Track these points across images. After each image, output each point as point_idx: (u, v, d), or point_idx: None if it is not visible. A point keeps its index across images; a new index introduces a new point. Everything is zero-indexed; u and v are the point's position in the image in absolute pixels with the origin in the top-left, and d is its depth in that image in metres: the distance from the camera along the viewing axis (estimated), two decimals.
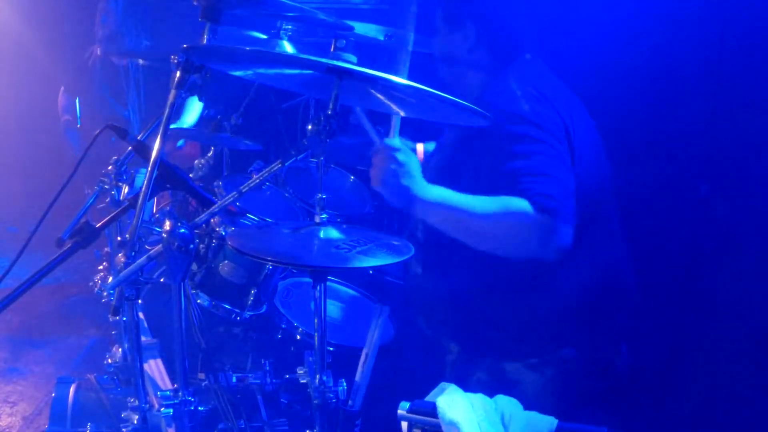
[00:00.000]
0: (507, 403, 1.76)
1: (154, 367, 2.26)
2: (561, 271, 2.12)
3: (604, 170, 2.32)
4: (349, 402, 1.93)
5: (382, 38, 3.00)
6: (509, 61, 2.28)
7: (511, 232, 2.00)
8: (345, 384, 1.88)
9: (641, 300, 2.43)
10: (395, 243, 1.80)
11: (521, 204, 1.97)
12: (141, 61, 3.78)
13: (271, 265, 2.70)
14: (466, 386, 1.77)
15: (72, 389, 2.31)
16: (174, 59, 1.75)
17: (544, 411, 1.72)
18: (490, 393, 1.78)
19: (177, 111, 3.79)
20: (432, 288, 2.37)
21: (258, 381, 2.44)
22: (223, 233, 2.65)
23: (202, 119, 4.25)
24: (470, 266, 2.18)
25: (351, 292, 3.01)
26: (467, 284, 2.22)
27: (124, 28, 4.14)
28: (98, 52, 4.20)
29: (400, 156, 2.04)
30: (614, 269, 2.31)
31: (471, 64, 2.30)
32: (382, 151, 2.06)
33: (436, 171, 2.26)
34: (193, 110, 3.92)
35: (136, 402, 1.87)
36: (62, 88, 4.59)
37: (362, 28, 2.97)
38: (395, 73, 1.66)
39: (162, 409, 1.74)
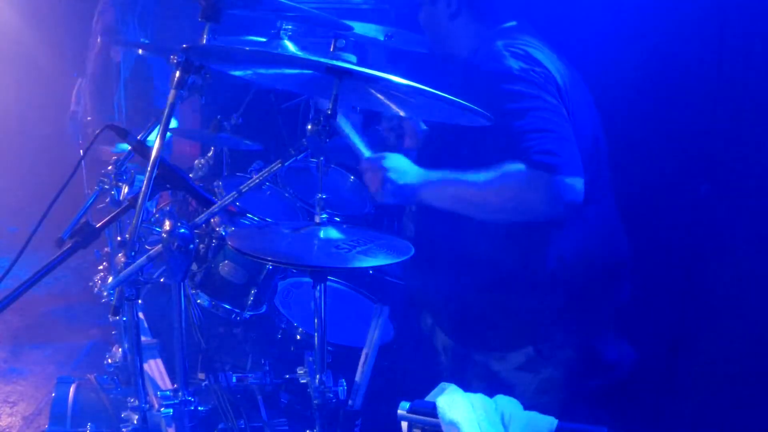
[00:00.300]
0: (507, 403, 1.76)
1: (154, 367, 2.26)
2: (554, 244, 2.12)
3: (600, 140, 2.27)
4: (349, 402, 1.93)
5: (382, 38, 3.00)
6: (493, 26, 2.28)
7: (516, 197, 1.98)
8: (345, 384, 1.88)
9: (639, 282, 2.41)
10: (395, 243, 1.80)
11: (518, 167, 1.95)
12: (140, 51, 3.78)
13: (271, 265, 2.70)
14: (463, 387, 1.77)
15: (72, 389, 2.32)
16: (174, 59, 1.75)
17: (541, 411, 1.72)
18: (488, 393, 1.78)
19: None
20: (424, 277, 2.36)
21: (258, 381, 2.44)
22: (223, 233, 2.65)
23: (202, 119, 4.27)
24: (460, 250, 2.20)
25: (351, 292, 3.01)
26: (457, 270, 2.22)
27: (122, 25, 4.16)
28: (98, 43, 4.21)
29: (386, 163, 2.09)
30: (609, 243, 2.28)
31: (456, 32, 2.31)
32: (368, 168, 2.12)
33: (435, 148, 2.26)
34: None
35: (136, 402, 1.87)
36: (80, 79, 4.57)
37: (362, 28, 2.97)
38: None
39: (162, 409, 1.74)
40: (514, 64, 2.08)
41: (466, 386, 2.27)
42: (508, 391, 2.21)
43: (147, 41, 4.04)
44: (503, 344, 2.27)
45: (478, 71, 2.01)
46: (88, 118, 4.37)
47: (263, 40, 3.28)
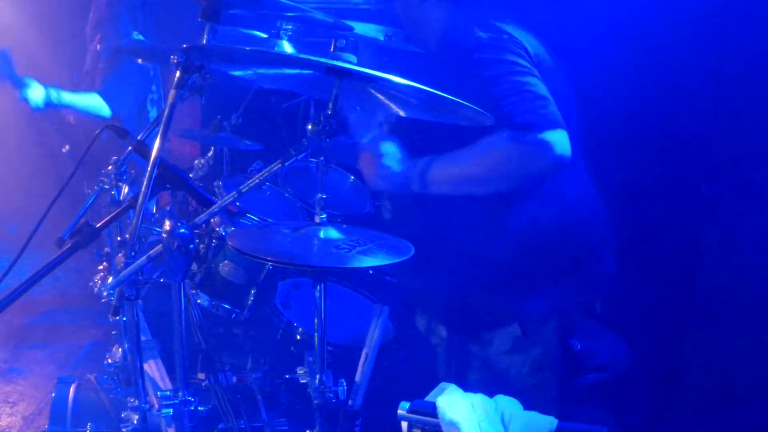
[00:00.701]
0: (507, 403, 1.76)
1: (154, 367, 2.26)
2: (530, 213, 2.15)
3: (572, 115, 2.27)
4: (349, 402, 1.93)
5: (382, 38, 3.00)
6: (465, 8, 2.29)
7: (507, 163, 2.01)
8: (345, 384, 1.88)
9: (639, 282, 2.40)
10: (395, 243, 1.80)
11: (503, 134, 1.97)
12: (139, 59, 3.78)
13: (271, 265, 2.70)
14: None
15: (72, 389, 2.32)
16: (174, 59, 1.75)
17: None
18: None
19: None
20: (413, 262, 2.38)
21: (258, 381, 2.44)
22: (223, 233, 2.65)
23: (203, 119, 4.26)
24: (438, 227, 2.22)
25: (351, 292, 3.01)
26: (437, 248, 2.22)
27: (114, 18, 4.17)
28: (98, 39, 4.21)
29: (382, 149, 2.13)
30: (584, 213, 2.29)
31: (428, 15, 2.31)
32: (367, 152, 2.15)
33: (416, 131, 2.26)
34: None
35: (136, 402, 1.87)
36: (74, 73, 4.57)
37: (362, 28, 2.97)
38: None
39: (162, 409, 1.74)
40: (483, 35, 2.12)
41: (462, 378, 2.28)
42: (504, 376, 2.24)
43: (140, 36, 4.05)
44: (489, 321, 2.27)
45: (450, 48, 2.08)
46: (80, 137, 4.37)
47: (264, 36, 3.28)
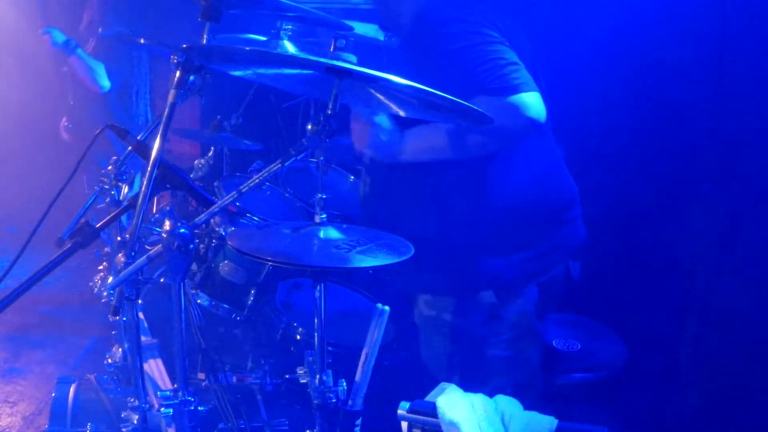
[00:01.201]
0: (507, 403, 1.77)
1: (154, 367, 2.26)
2: (501, 176, 2.19)
3: (541, 82, 2.27)
4: (349, 402, 1.93)
5: (382, 38, 3.00)
6: None
7: (480, 129, 2.06)
8: (345, 384, 1.88)
9: (639, 282, 2.40)
10: (395, 243, 1.80)
11: (479, 101, 1.99)
12: (142, 40, 3.82)
13: (271, 265, 2.70)
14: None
15: (72, 389, 2.31)
16: (173, 59, 1.75)
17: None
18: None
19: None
20: (383, 221, 2.38)
21: (258, 381, 2.44)
22: (223, 233, 2.65)
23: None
24: (414, 194, 2.27)
25: (351, 292, 3.01)
26: (414, 215, 2.28)
27: (102, 16, 4.25)
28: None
29: (375, 119, 2.18)
30: (553, 178, 2.34)
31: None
32: (358, 119, 2.20)
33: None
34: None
35: (136, 402, 1.87)
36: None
37: (362, 28, 2.97)
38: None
39: (162, 409, 1.74)
40: (449, 6, 2.16)
41: (442, 353, 2.28)
42: (482, 346, 2.27)
43: (129, 32, 4.11)
44: (463, 290, 2.29)
45: (420, 22, 2.13)
46: (71, 102, 4.43)
47: (263, 39, 3.29)
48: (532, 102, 2.02)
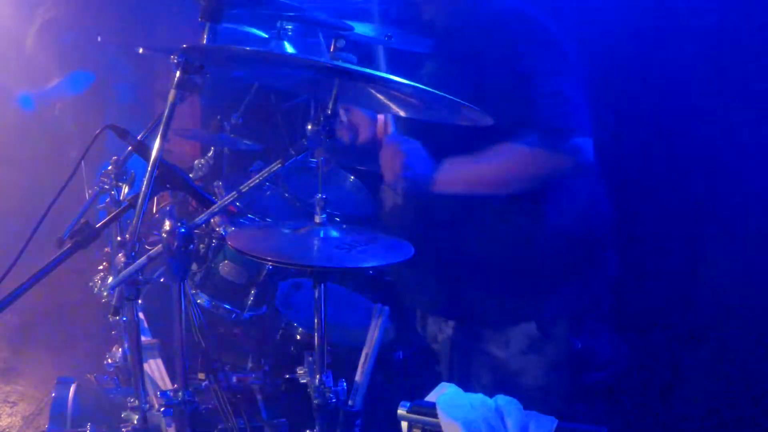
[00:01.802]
0: (507, 403, 1.76)
1: (154, 367, 2.26)
2: (548, 208, 2.13)
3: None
4: (349, 402, 1.93)
5: (382, 38, 2.99)
6: None
7: (530, 172, 2.02)
8: (345, 384, 1.88)
9: (639, 282, 2.39)
10: (395, 243, 1.80)
11: (529, 139, 1.96)
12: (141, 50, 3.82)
13: (271, 265, 2.69)
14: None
15: (72, 389, 2.31)
16: (173, 59, 1.75)
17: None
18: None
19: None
20: (421, 254, 2.27)
21: (258, 381, 2.44)
22: (223, 233, 2.65)
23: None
24: (454, 223, 2.18)
25: (351, 292, 3.00)
26: (454, 244, 2.20)
27: None
28: None
29: (404, 148, 2.08)
30: (596, 207, 2.29)
31: None
32: (387, 148, 2.10)
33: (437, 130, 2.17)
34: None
35: (136, 402, 1.87)
36: None
37: (362, 28, 2.97)
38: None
39: (162, 409, 1.74)
40: (531, 25, 2.07)
41: (474, 380, 2.26)
42: (519, 376, 2.20)
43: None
44: (505, 321, 2.23)
45: (484, 34, 2.02)
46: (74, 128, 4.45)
47: (265, 36, 3.28)
48: (584, 148, 1.98)
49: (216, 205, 1.79)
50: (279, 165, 1.80)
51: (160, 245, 1.62)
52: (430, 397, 1.78)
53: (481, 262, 2.19)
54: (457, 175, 2.09)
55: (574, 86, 2.02)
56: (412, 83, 1.59)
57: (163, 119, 1.75)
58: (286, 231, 1.85)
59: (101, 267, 2.47)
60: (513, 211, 2.14)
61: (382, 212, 2.42)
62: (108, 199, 2.13)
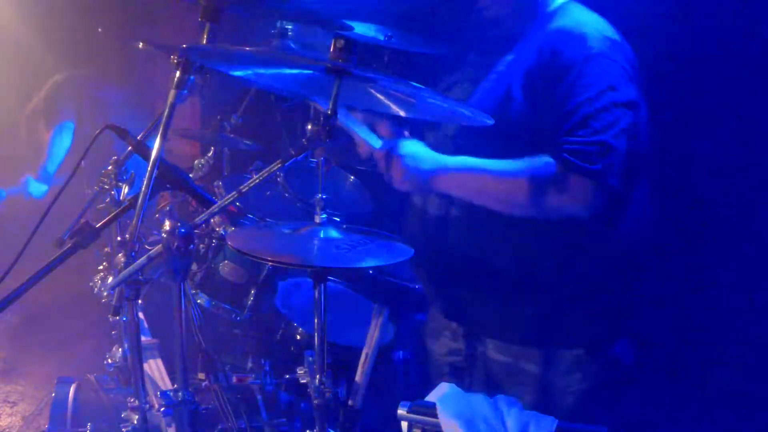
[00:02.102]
0: (507, 403, 1.76)
1: (154, 367, 2.26)
2: (606, 234, 2.00)
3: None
4: (350, 402, 1.93)
5: (382, 38, 3.00)
6: None
7: (544, 197, 1.88)
8: (345, 384, 1.88)
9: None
10: (395, 243, 1.80)
11: (550, 165, 1.85)
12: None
13: (271, 265, 2.70)
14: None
15: (72, 389, 2.31)
16: (173, 59, 1.75)
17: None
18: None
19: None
20: (461, 280, 2.16)
21: (258, 381, 2.44)
22: (223, 233, 2.65)
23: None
24: (507, 237, 2.04)
25: (351, 292, 3.00)
26: (502, 271, 2.07)
27: None
28: None
29: (401, 150, 2.01)
30: (645, 226, 2.14)
31: None
32: (383, 157, 2.03)
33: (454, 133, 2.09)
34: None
35: (136, 402, 1.87)
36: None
37: (362, 28, 2.97)
38: None
39: (162, 409, 1.74)
40: (598, 45, 1.93)
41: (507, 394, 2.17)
42: (561, 394, 2.12)
43: None
44: (554, 344, 2.14)
45: (549, 56, 1.89)
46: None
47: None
48: (608, 193, 1.85)
49: (216, 205, 1.79)
50: (279, 165, 1.80)
51: (160, 245, 1.62)
52: (430, 397, 1.78)
53: (536, 287, 2.07)
54: (463, 178, 2.00)
55: (625, 112, 1.87)
56: (412, 83, 1.59)
57: (163, 119, 1.75)
58: (286, 231, 1.85)
59: (101, 267, 2.47)
60: (569, 236, 2.00)
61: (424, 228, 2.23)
62: (108, 199, 2.14)
